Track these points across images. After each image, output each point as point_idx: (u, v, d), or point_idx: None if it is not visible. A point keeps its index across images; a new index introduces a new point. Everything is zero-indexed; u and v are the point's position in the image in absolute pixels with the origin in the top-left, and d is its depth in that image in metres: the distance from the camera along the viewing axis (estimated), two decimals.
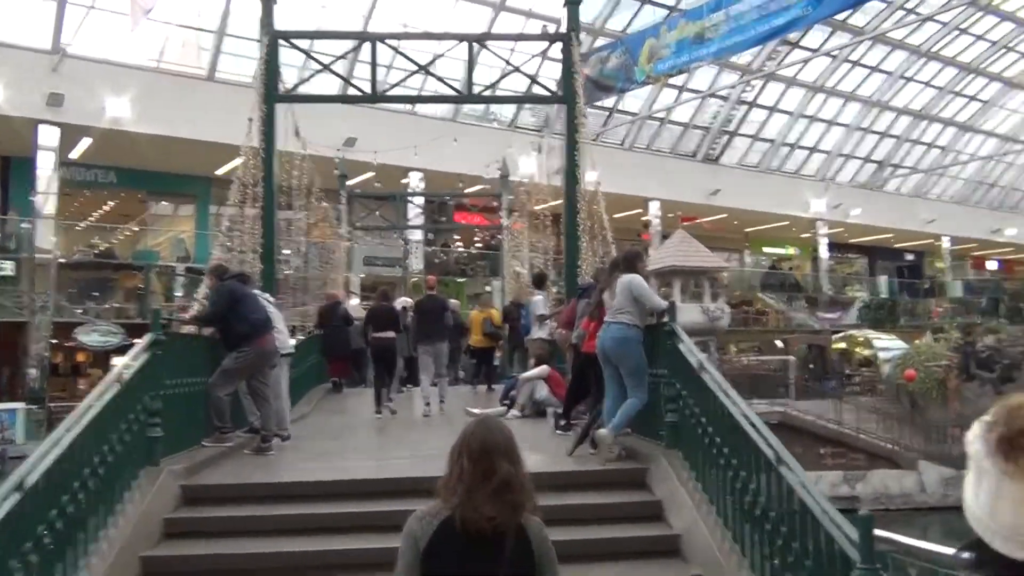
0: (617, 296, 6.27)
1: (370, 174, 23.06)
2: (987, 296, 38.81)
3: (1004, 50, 34.25)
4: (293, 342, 9.65)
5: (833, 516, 3.45)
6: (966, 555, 1.40)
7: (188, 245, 24.68)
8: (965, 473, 1.41)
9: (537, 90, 16.56)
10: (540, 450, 7.38)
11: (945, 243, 39.45)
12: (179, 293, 21.43)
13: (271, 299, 8.48)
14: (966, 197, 40.51)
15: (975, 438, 1.38)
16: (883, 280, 39.13)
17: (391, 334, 10.78)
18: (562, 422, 8.03)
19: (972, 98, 36.61)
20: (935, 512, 16.01)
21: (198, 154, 20.60)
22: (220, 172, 19.82)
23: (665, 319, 6.00)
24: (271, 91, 11.27)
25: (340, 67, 15.64)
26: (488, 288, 23.99)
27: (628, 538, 5.06)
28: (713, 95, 29.67)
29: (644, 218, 29.79)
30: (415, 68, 13.15)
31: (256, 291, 8.20)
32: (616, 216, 12.52)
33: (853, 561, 3.17)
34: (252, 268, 10.47)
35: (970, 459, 1.39)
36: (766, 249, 37.77)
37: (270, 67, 11.30)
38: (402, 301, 14.26)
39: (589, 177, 11.75)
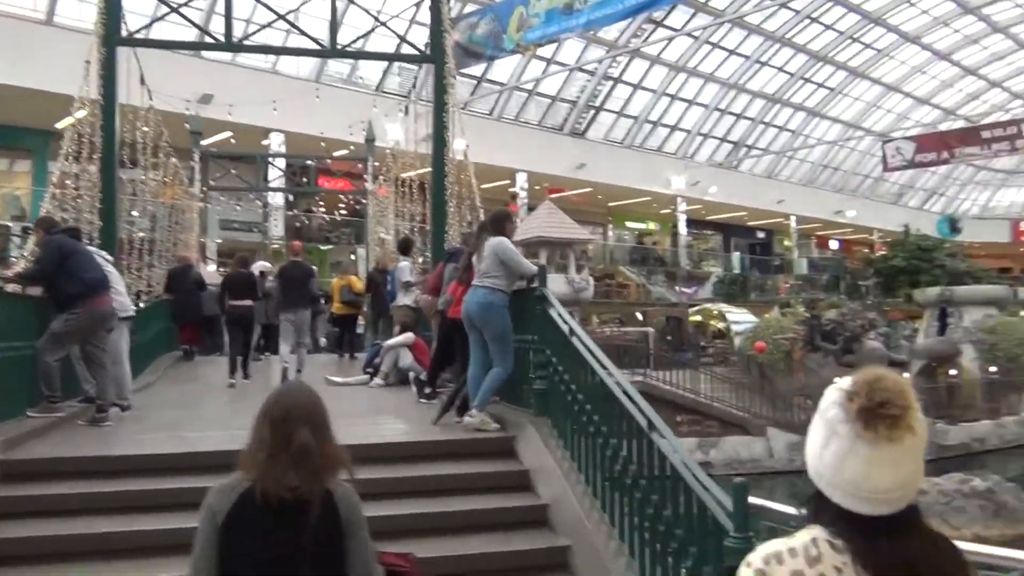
0: (484, 259, 6.02)
1: (227, 133, 21.89)
2: (829, 273, 41.27)
3: (850, 40, 36.20)
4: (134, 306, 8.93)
5: (706, 484, 3.35)
6: (805, 509, 1.53)
7: (24, 203, 22.80)
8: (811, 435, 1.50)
9: (406, 49, 16.04)
10: (404, 419, 7.11)
11: (793, 222, 41.54)
12: (14, 254, 19.71)
13: (108, 258, 7.74)
14: (812, 179, 42.76)
15: (832, 404, 1.46)
16: (736, 256, 40.89)
17: (249, 302, 10.39)
18: (427, 390, 7.76)
19: (820, 85, 38.57)
20: (781, 475, 16.81)
21: (35, 105, 18.86)
22: (60, 125, 18.26)
23: (535, 284, 5.80)
24: (111, 33, 10.29)
25: (195, 17, 14.63)
26: (352, 256, 23.33)
27: (495, 509, 4.86)
28: (580, 69, 29.92)
29: (511, 189, 29.79)
30: (275, 17, 12.41)
31: (92, 248, 7.47)
32: (484, 187, 12.28)
33: (726, 529, 3.06)
34: (90, 227, 9.60)
35: (822, 421, 1.46)
36: (629, 224, 38.67)
37: (110, 4, 10.31)
38: (260, 266, 13.59)
39: (458, 145, 11.48)
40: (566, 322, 5.14)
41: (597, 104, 32.32)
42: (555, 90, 30.98)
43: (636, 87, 32.56)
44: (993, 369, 22.20)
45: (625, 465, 4.11)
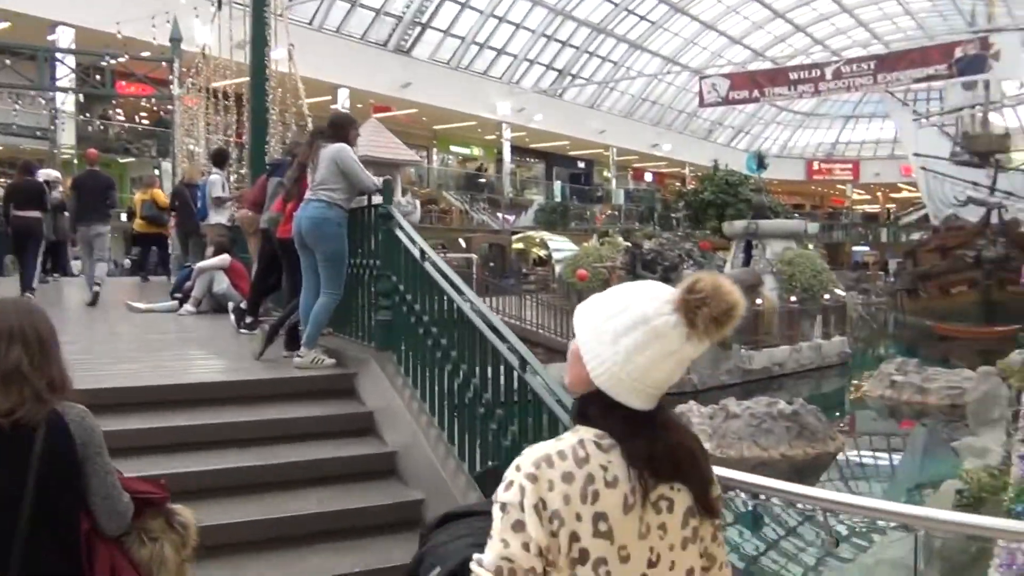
0: (320, 169, 5.21)
1: (3, 24, 19.05)
2: (644, 205, 42.65)
3: None
4: None
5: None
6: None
7: None
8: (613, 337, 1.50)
9: None
10: (221, 354, 6.24)
11: (612, 154, 42.34)
12: None
13: None
14: (632, 112, 43.64)
15: (662, 311, 1.49)
16: (558, 185, 41.26)
17: (35, 213, 9.22)
18: (247, 319, 6.89)
19: (643, 18, 39.05)
20: None
21: None
22: None
23: (379, 200, 5.09)
24: None
25: None
26: (156, 170, 21.21)
27: (334, 459, 4.23)
28: None
29: (333, 106, 28.17)
30: None
31: None
32: (298, 111, 11.23)
33: None
34: None
35: (644, 327, 1.49)
36: (453, 148, 37.92)
37: None
38: (46, 174, 11.91)
39: (277, 55, 10.32)
40: (416, 244, 4.51)
41: (423, 21, 31.01)
42: (379, 2, 29.37)
43: (464, 5, 31.48)
44: (793, 299, 23.68)
45: (490, 408, 3.60)
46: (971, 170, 35.99)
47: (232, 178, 12.24)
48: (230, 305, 8.17)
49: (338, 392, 4.86)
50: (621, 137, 41.56)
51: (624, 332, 1.50)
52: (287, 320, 5.71)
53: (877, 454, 15.82)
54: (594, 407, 1.53)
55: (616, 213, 41.03)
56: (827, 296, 24.86)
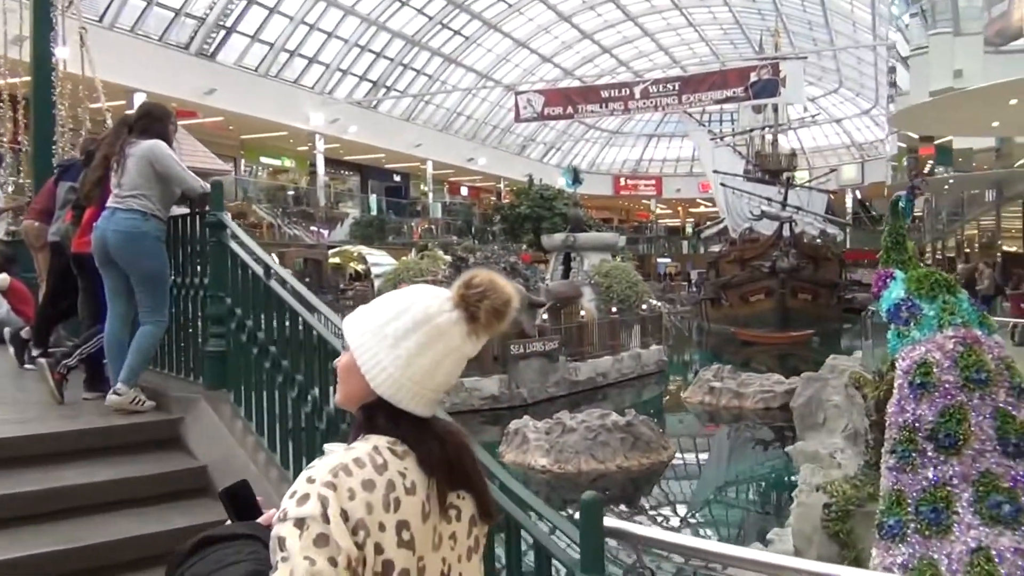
0: (129, 171, 4.26)
1: None
2: (462, 218, 42.53)
3: None
4: None
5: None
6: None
7: None
8: (397, 345, 1.45)
9: None
10: (1, 399, 5.05)
11: (429, 167, 41.90)
12: None
13: None
14: (447, 125, 43.45)
15: (442, 308, 1.48)
16: (373, 198, 40.27)
17: None
18: (34, 352, 5.69)
19: (457, 32, 39.00)
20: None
21: None
22: None
23: (207, 207, 4.22)
24: None
25: None
26: None
27: (161, 534, 3.29)
28: None
29: (128, 112, 25.81)
30: None
31: None
32: (94, 108, 9.87)
33: None
34: None
35: (427, 328, 1.47)
36: (263, 159, 36.03)
37: None
38: None
39: (61, 53, 8.96)
40: (259, 260, 3.72)
41: (228, 25, 29.20)
42: (179, 2, 27.32)
43: (272, 11, 29.97)
44: (614, 310, 24.15)
45: None
46: (764, 186, 38.63)
47: (10, 188, 10.71)
48: (5, 332, 6.78)
49: (160, 443, 3.92)
50: (437, 151, 41.23)
51: (405, 334, 1.47)
52: (84, 350, 4.67)
53: (702, 457, 16.24)
54: (380, 415, 1.47)
55: (433, 227, 40.61)
56: (644, 307, 25.60)
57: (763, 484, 13.84)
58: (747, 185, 38.62)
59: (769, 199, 36.16)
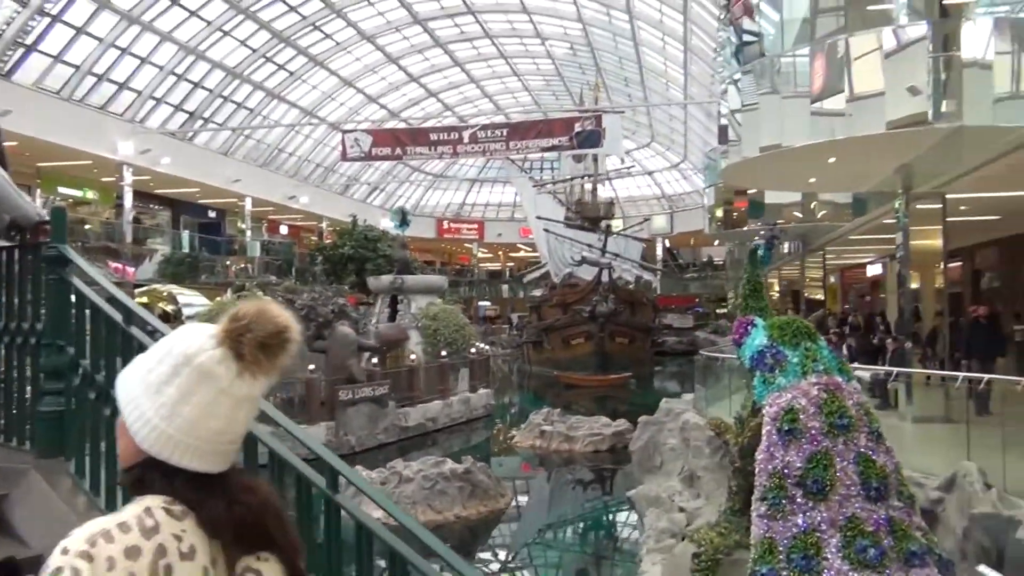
0: None
1: None
2: (282, 258, 41.01)
3: (312, 27, 36.27)
4: None
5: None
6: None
7: None
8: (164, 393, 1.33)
9: None
10: None
11: (247, 204, 40.18)
12: None
13: None
14: (268, 162, 41.97)
15: (204, 347, 1.35)
16: (186, 234, 38.02)
17: None
18: None
19: (281, 67, 37.94)
20: None
21: None
22: None
23: (42, 238, 3.57)
24: None
25: None
26: None
27: None
28: None
29: None
30: None
31: None
32: None
33: None
34: None
35: (188, 372, 1.34)
36: (62, 189, 33.11)
37: None
38: None
39: None
40: (117, 302, 3.15)
41: (28, 43, 26.77)
42: None
43: (79, 31, 27.80)
44: (444, 353, 23.89)
45: None
46: (585, 233, 39.99)
47: None
48: None
49: None
50: (256, 187, 39.63)
51: (167, 380, 1.35)
52: None
53: (539, 503, 16.17)
54: (156, 473, 1.34)
55: (250, 266, 38.84)
56: (473, 350, 25.53)
57: (605, 529, 13.93)
58: (569, 231, 39.84)
59: (590, 245, 37.43)
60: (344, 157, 32.39)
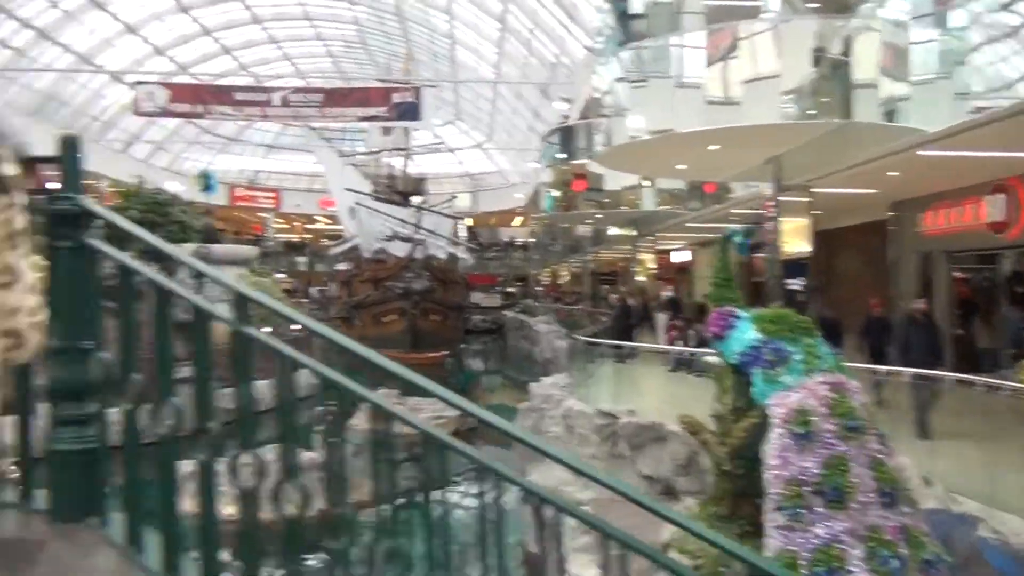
0: None
1: None
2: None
3: None
4: None
5: None
6: None
7: None
8: None
9: None
10: None
11: None
12: None
13: None
14: (39, 110, 37.21)
15: None
16: None
17: None
18: None
19: (54, 4, 33.56)
20: None
21: None
22: None
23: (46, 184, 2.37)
24: None
25: None
26: None
27: None
28: None
29: None
30: None
31: None
32: None
33: None
34: None
35: None
36: None
37: None
38: None
39: None
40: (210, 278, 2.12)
41: None
42: None
43: None
44: (266, 330, 22.15)
45: None
46: (399, 208, 38.92)
47: None
48: None
49: None
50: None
51: None
52: None
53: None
54: None
55: None
56: (294, 327, 23.91)
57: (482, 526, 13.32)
58: (384, 206, 38.63)
59: (404, 220, 36.49)
60: (138, 112, 29.24)
